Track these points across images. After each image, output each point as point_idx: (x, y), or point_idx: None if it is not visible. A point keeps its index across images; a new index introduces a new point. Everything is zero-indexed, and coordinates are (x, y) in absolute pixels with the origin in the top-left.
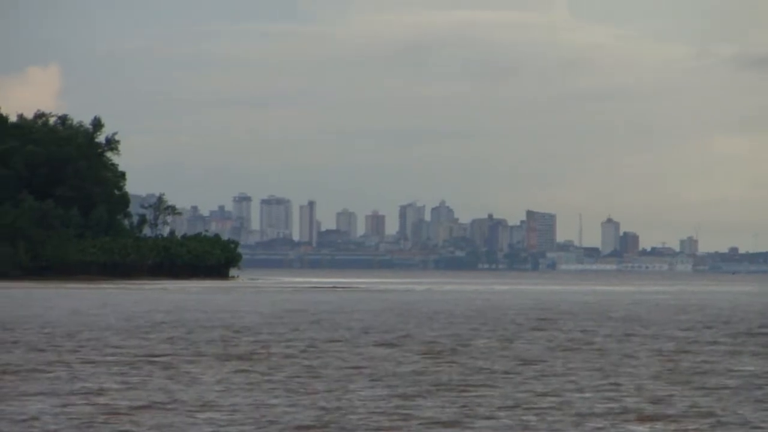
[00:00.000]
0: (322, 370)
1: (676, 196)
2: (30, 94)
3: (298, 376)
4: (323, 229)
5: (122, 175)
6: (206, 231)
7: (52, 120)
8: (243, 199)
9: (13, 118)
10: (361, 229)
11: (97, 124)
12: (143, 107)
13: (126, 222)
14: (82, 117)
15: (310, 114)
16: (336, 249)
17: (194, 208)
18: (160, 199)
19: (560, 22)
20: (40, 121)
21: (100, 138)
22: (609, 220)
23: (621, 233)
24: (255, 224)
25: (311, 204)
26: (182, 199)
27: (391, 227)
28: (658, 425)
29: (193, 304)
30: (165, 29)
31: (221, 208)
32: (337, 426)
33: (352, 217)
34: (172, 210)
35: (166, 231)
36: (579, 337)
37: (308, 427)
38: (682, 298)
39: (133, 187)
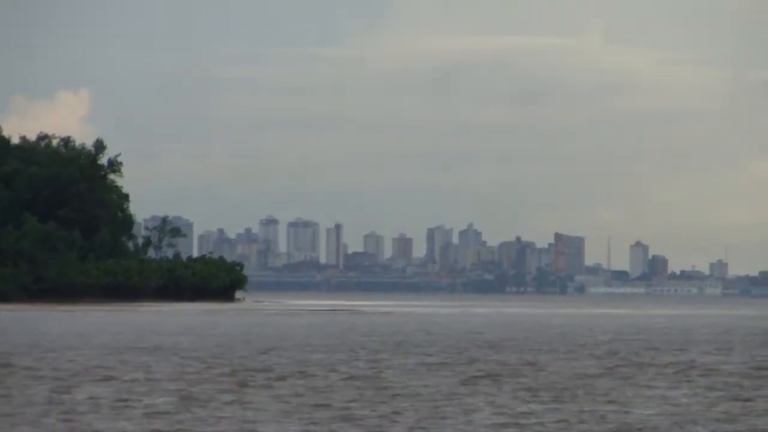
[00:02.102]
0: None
1: (707, 219)
2: (58, 118)
3: None
4: (350, 251)
5: (125, 197)
6: (210, 253)
7: (54, 142)
8: (270, 222)
9: (16, 140)
10: (388, 251)
11: (100, 146)
12: (171, 130)
13: (131, 244)
14: (109, 141)
15: (338, 137)
16: (363, 272)
17: (221, 231)
18: (164, 221)
19: (595, 47)
20: (43, 143)
21: (103, 160)
22: (638, 243)
23: (650, 256)
24: (282, 247)
25: (338, 227)
26: (209, 221)
27: (419, 250)
28: None
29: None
30: (196, 53)
31: (248, 230)
32: None
33: (380, 240)
34: (177, 232)
35: (170, 253)
36: None
37: None
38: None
39: (159, 209)
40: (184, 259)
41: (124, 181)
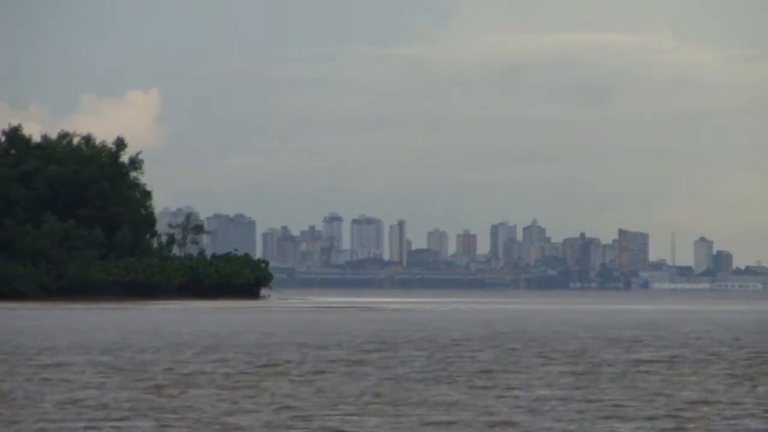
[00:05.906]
0: None
1: None
2: (128, 117)
3: None
4: (414, 248)
5: (148, 194)
6: (236, 250)
7: (75, 140)
8: (334, 219)
9: (37, 138)
10: (452, 248)
11: (121, 144)
12: (237, 128)
13: (155, 242)
14: (177, 139)
15: (402, 134)
16: (426, 268)
17: (284, 228)
18: (188, 218)
19: (663, 44)
20: (64, 141)
21: (124, 158)
22: (702, 239)
23: (714, 252)
24: (346, 244)
25: (401, 223)
26: (273, 219)
27: (483, 247)
28: None
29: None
30: (263, 52)
31: (312, 228)
32: None
33: (443, 237)
34: (200, 229)
35: (195, 250)
36: None
37: None
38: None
39: (222, 206)
40: (208, 256)
41: (188, 179)
